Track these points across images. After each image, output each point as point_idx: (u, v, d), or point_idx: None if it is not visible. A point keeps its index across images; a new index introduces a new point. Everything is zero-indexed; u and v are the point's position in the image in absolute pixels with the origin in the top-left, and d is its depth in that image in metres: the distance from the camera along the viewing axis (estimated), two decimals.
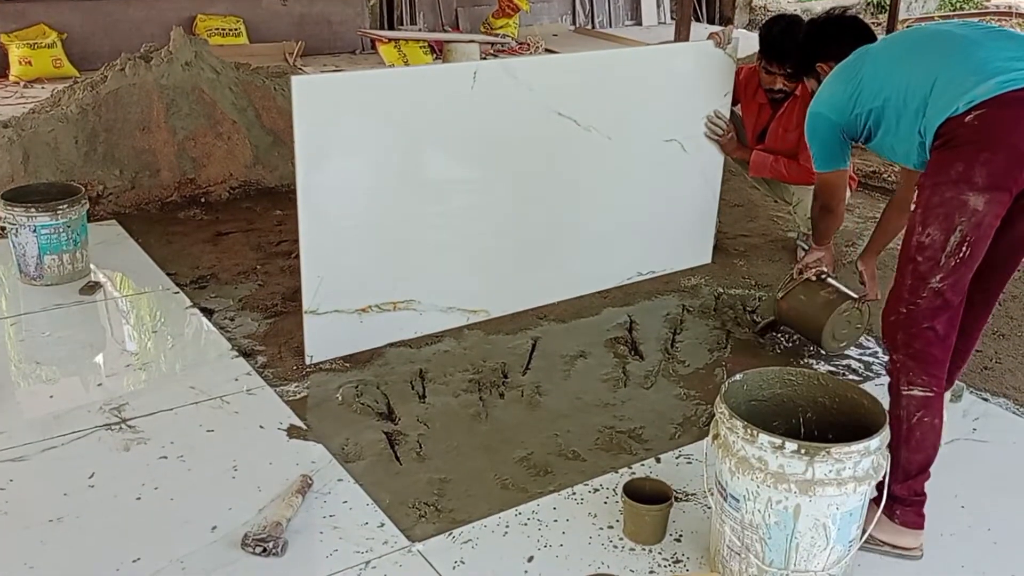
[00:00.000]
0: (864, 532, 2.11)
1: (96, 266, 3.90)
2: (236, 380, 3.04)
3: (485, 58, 8.05)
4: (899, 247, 2.33)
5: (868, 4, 12.67)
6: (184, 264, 3.97)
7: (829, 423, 2.24)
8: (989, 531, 2.42)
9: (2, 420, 2.78)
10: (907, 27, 2.64)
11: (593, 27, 10.47)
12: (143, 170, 4.67)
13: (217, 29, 8.20)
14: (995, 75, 2.17)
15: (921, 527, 2.30)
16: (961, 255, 2.16)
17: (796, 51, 3.33)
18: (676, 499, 2.44)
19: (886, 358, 2.39)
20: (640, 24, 10.81)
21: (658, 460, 2.69)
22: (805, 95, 3.84)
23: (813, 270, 3.34)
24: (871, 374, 3.21)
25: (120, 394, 2.95)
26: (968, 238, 2.15)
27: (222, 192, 4.81)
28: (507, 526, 2.38)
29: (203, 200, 4.74)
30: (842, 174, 2.87)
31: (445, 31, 9.26)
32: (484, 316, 3.50)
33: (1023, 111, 2.13)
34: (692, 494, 2.52)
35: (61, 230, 3.68)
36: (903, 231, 2.33)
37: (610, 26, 10.62)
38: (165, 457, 2.62)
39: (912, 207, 2.26)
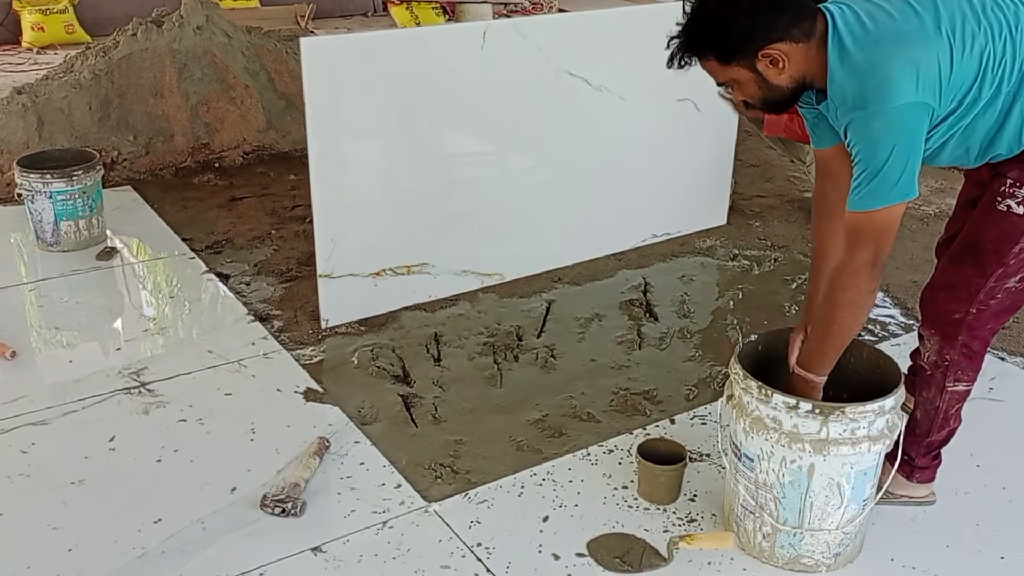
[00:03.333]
0: (880, 489, 2.12)
1: (112, 232, 3.92)
2: (253, 344, 3.06)
3: (497, 18, 7.97)
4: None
5: None
6: (199, 229, 3.99)
7: (844, 383, 2.23)
8: (1004, 489, 2.42)
9: (23, 385, 2.82)
10: None
11: None
12: (157, 135, 4.68)
13: None
14: None
15: (935, 479, 2.32)
16: None
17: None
18: (690, 459, 2.45)
19: (920, 341, 2.19)
20: None
21: (672, 421, 2.70)
22: None
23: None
24: (887, 334, 3.20)
25: (138, 359, 2.97)
26: None
27: (236, 157, 4.80)
28: (522, 487, 2.40)
29: (217, 165, 4.74)
30: (901, 209, 1.90)
31: None
32: (498, 279, 3.51)
33: None
34: (706, 454, 2.53)
35: (77, 196, 3.70)
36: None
37: None
38: (184, 420, 2.66)
39: (1018, 208, 1.98)
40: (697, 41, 1.93)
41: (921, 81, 1.79)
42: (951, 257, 2.14)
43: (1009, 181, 1.98)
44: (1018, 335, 3.22)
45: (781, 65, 1.87)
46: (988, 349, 2.91)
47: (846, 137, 1.90)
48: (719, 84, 2.00)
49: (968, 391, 2.21)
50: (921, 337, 2.20)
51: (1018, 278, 2.05)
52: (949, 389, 2.18)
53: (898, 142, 1.81)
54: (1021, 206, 1.99)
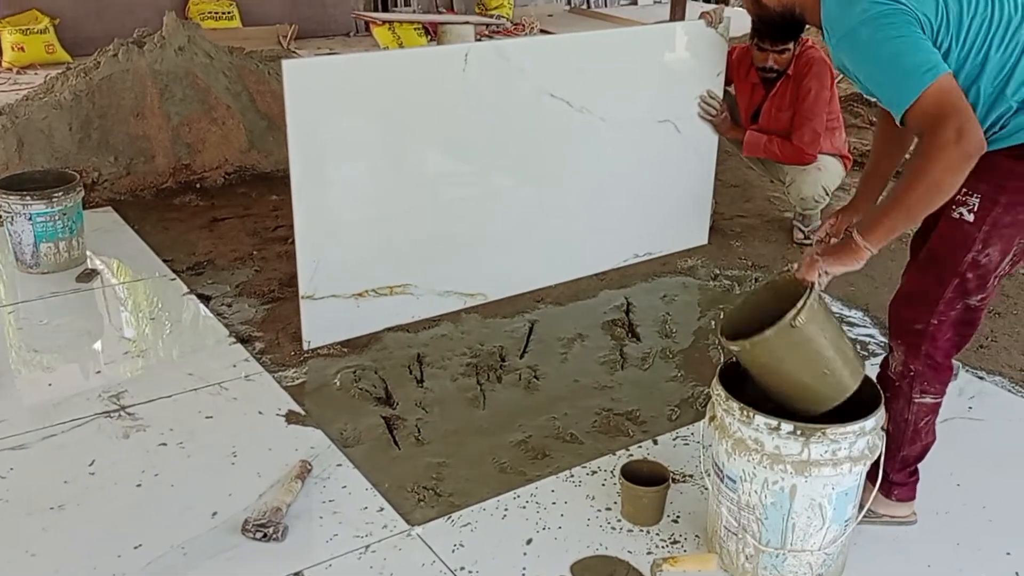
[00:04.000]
0: (862, 508, 2.13)
1: (92, 253, 3.90)
2: (234, 366, 3.04)
3: (480, 39, 8.02)
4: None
5: None
6: (180, 250, 3.97)
7: None
8: (984, 508, 2.44)
9: (2, 408, 2.79)
10: None
11: (588, 7, 10.42)
12: (138, 156, 4.66)
13: (210, 12, 8.16)
14: None
15: (915, 499, 2.33)
16: (1003, 273, 2.08)
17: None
18: (673, 480, 2.45)
19: (889, 352, 2.24)
20: (635, 3, 10.77)
21: (655, 442, 2.70)
22: (797, 74, 3.85)
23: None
24: (867, 353, 3.22)
25: (119, 381, 2.95)
26: (1016, 258, 2.06)
27: (217, 178, 4.80)
28: (506, 509, 2.40)
29: (198, 186, 4.73)
30: (951, 82, 1.85)
31: (440, 12, 9.22)
32: (481, 300, 3.51)
33: None
34: (689, 475, 2.54)
35: (57, 217, 3.68)
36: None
37: (605, 6, 10.58)
38: (165, 444, 2.64)
39: (968, 215, 2.01)
40: None
41: None
42: (915, 266, 2.18)
43: (963, 189, 1.98)
44: (996, 354, 3.25)
45: None
46: (968, 369, 2.93)
47: (851, 72, 1.95)
48: None
49: (937, 404, 2.23)
50: (890, 348, 2.24)
51: (979, 297, 2.08)
52: (916, 401, 2.21)
53: (889, 36, 1.84)
54: (972, 214, 2.01)
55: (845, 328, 3.39)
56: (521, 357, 3.18)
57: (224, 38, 6.42)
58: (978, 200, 2.00)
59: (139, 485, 2.46)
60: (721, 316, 2.12)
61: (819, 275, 2.04)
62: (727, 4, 10.57)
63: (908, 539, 2.31)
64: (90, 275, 3.71)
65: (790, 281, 2.10)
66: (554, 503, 2.42)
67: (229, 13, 8.31)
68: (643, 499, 2.32)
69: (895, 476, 2.28)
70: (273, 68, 5.13)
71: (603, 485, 2.49)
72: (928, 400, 2.21)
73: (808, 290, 2.01)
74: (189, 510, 2.36)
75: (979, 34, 1.93)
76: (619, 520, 2.36)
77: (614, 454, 2.63)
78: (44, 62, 7.33)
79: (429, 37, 8.17)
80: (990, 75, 1.94)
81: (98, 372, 3.03)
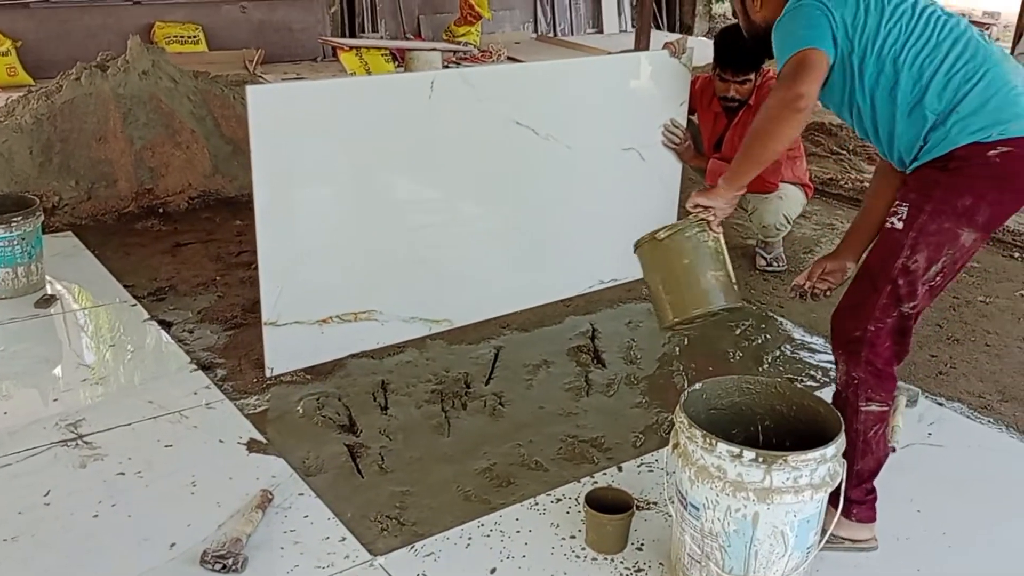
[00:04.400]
0: (824, 534, 2.14)
1: (52, 279, 3.84)
2: (195, 394, 3.01)
3: (447, 66, 8.05)
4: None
5: None
6: (142, 276, 3.92)
7: (787, 431, 2.27)
8: (944, 535, 2.46)
9: None
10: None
11: (555, 35, 10.51)
12: (100, 181, 4.61)
13: (176, 37, 8.12)
14: None
15: (875, 520, 2.36)
16: (934, 283, 2.16)
17: (747, 52, 3.55)
18: (637, 508, 2.45)
19: (836, 365, 2.35)
20: (601, 32, 10.87)
21: (620, 469, 2.70)
22: (759, 103, 3.89)
23: (701, 216, 2.46)
24: (827, 380, 3.25)
25: (76, 409, 2.90)
26: (945, 270, 2.15)
27: (181, 202, 4.76)
28: (470, 538, 2.38)
29: (161, 211, 4.68)
30: (822, 58, 2.12)
31: (407, 39, 9.25)
32: (447, 325, 3.50)
33: None
34: (653, 502, 2.54)
35: (15, 242, 3.62)
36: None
37: (572, 34, 10.67)
38: (123, 473, 2.59)
39: (898, 224, 2.15)
40: None
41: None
42: (855, 277, 2.30)
43: (896, 200, 2.17)
44: (955, 381, 3.29)
45: (758, 5, 2.36)
46: (927, 395, 2.97)
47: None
48: None
49: (884, 412, 2.27)
50: (836, 360, 2.32)
51: (911, 304, 2.16)
52: (863, 409, 2.25)
53: (798, 21, 2.16)
54: (901, 222, 2.15)
55: (807, 353, 3.43)
56: (486, 384, 3.17)
57: (190, 62, 6.40)
58: (906, 209, 2.15)
59: (96, 516, 2.42)
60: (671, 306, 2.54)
61: (695, 207, 2.43)
62: (690, 34, 10.72)
63: (870, 565, 2.33)
64: (49, 301, 3.65)
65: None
66: (518, 532, 2.41)
67: (195, 37, 8.27)
68: (607, 527, 2.32)
69: (852, 493, 2.29)
70: (238, 92, 5.11)
71: (567, 513, 2.48)
72: (874, 408, 2.26)
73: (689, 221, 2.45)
74: (147, 541, 2.32)
75: (895, 46, 2.13)
76: (583, 548, 2.35)
77: (579, 481, 2.63)
78: (6, 85, 7.25)
79: (396, 63, 8.19)
80: (905, 88, 2.12)
81: (55, 400, 2.98)
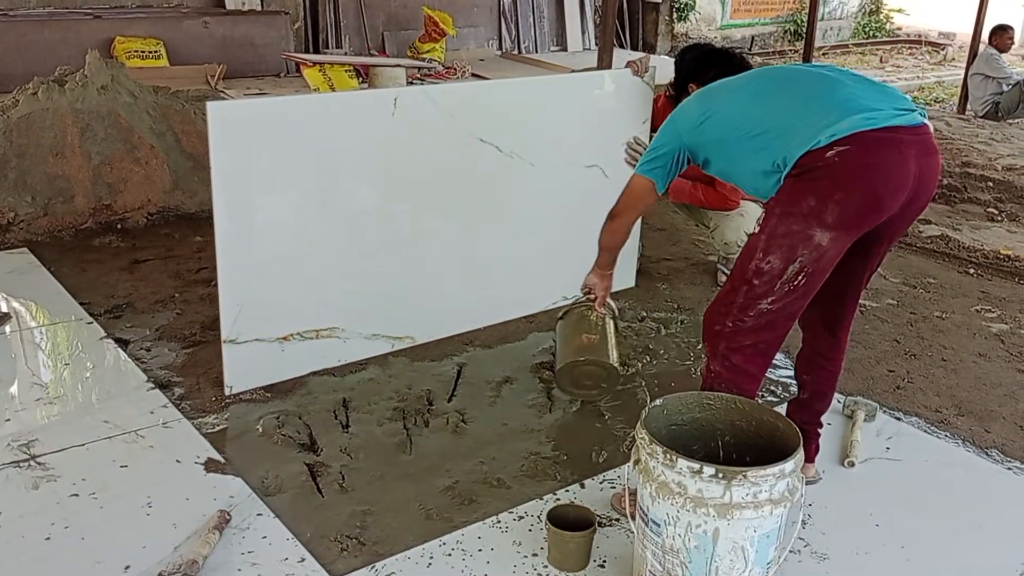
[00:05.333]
0: (783, 551, 2.15)
1: (6, 296, 3.77)
2: (152, 413, 2.96)
3: (412, 82, 8.05)
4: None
5: (785, 32, 13.06)
6: (99, 293, 3.86)
7: (747, 446, 2.28)
8: (903, 548, 2.48)
9: None
10: (762, 67, 2.72)
11: (519, 52, 10.56)
12: (56, 196, 4.55)
13: (136, 51, 8.03)
14: (858, 111, 2.19)
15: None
16: (796, 284, 2.24)
17: (676, 74, 3.69)
18: (600, 524, 2.45)
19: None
20: (565, 50, 10.94)
21: (582, 485, 2.70)
22: None
23: (588, 298, 3.09)
24: (787, 395, 3.27)
25: (30, 429, 2.84)
26: (806, 270, 2.22)
27: (139, 218, 4.70)
28: (431, 557, 2.36)
29: (119, 227, 4.62)
30: (650, 190, 2.57)
31: (371, 55, 9.23)
32: (409, 342, 3.48)
33: (884, 154, 2.17)
34: (616, 519, 2.53)
35: None
36: None
37: (536, 51, 10.73)
38: (76, 495, 2.54)
39: (755, 229, 2.30)
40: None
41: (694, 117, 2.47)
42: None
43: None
44: (912, 395, 3.33)
45: None
46: (885, 410, 2.99)
47: None
48: None
49: None
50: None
51: (769, 300, 2.25)
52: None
53: (667, 121, 2.54)
54: (758, 227, 2.30)
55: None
56: (449, 401, 3.15)
57: (151, 77, 6.33)
58: (765, 215, 2.30)
59: (48, 538, 2.36)
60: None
61: (583, 287, 3.03)
62: (653, 53, 10.82)
63: None
64: (3, 319, 3.58)
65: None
66: (480, 550, 2.39)
67: (156, 52, 8.18)
68: (569, 544, 2.31)
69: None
70: (199, 108, 5.06)
71: (530, 531, 2.47)
72: None
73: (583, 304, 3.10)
74: (100, 564, 2.27)
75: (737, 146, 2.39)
76: (546, 566, 2.34)
77: (541, 499, 2.62)
78: None
79: (360, 79, 8.17)
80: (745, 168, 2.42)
81: (8, 420, 2.91)
